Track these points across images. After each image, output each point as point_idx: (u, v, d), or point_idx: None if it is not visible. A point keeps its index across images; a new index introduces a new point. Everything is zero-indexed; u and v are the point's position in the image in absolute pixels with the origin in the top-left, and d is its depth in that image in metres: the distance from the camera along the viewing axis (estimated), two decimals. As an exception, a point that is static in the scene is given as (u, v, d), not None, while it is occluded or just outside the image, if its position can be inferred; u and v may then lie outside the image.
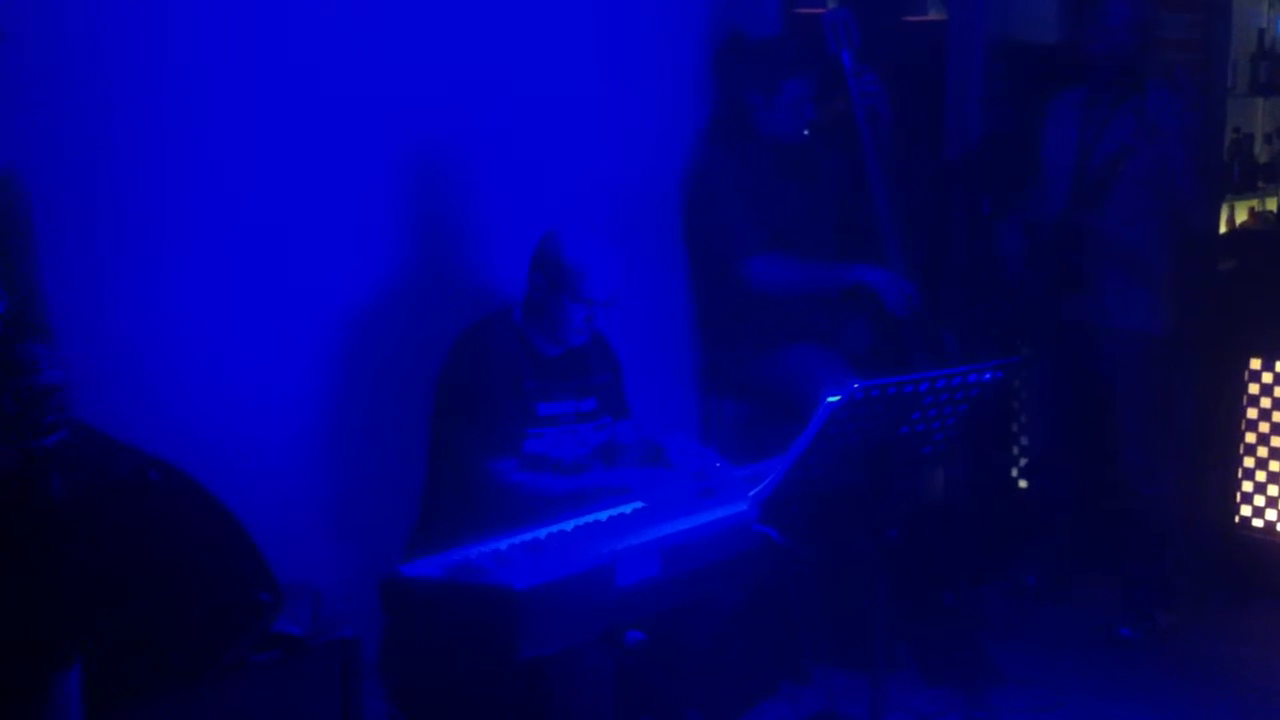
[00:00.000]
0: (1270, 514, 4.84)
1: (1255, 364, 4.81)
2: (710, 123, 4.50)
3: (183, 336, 3.16)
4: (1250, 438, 4.85)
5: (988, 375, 3.26)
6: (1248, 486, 4.88)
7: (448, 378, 3.42)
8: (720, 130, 4.45)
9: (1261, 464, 4.84)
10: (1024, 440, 5.30)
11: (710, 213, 4.31)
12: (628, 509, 3.17)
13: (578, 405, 3.51)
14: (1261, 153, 6.26)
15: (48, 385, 2.14)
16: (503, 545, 2.93)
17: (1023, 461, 5.32)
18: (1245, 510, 4.89)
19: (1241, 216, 5.95)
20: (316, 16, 3.36)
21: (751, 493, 3.18)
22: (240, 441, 3.23)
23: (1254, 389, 4.82)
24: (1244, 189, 5.96)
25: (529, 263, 3.43)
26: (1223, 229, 5.47)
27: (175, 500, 2.54)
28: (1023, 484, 5.31)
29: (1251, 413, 4.84)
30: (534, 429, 3.41)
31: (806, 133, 4.35)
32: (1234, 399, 4.84)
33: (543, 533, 3.03)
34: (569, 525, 3.08)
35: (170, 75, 3.10)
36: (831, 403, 3.00)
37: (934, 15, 5.46)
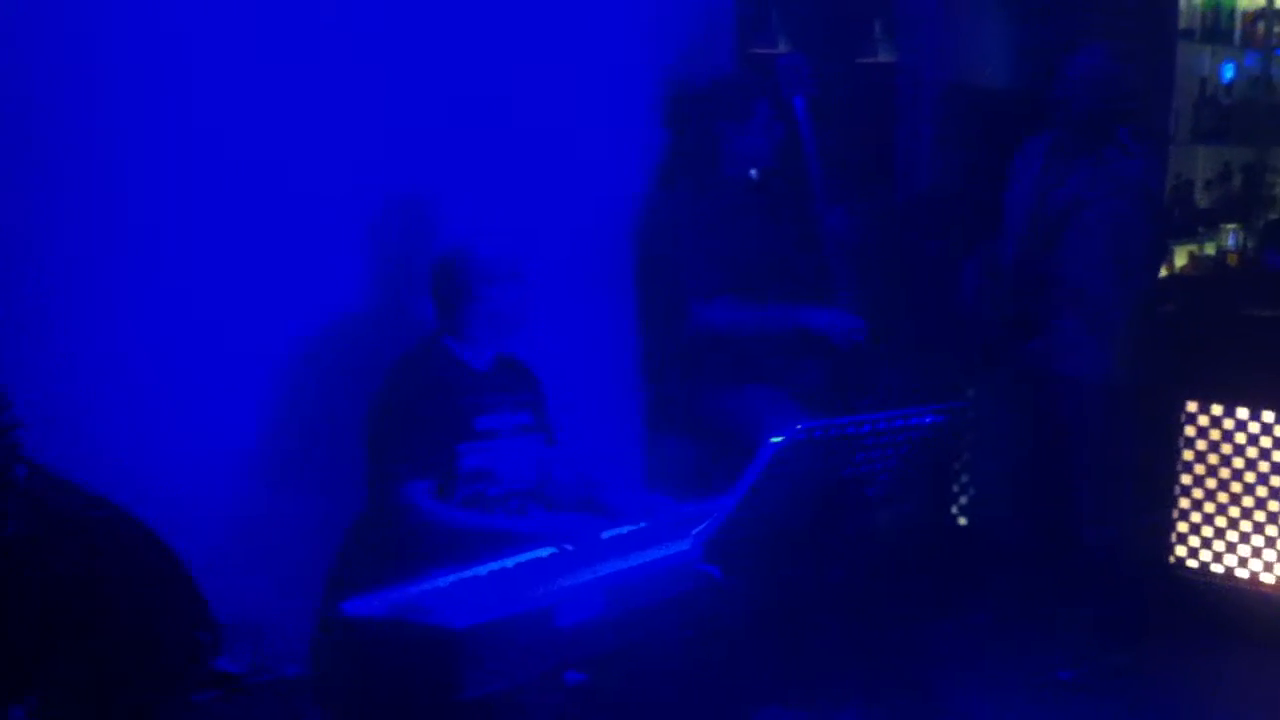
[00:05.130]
0: (1205, 554, 4.91)
1: (1191, 407, 4.89)
2: (670, 162, 4.53)
3: (122, 372, 3.14)
4: (1186, 479, 4.92)
5: (929, 418, 3.31)
6: (1183, 527, 4.95)
7: (376, 404, 3.46)
8: (682, 169, 4.49)
9: (1197, 505, 4.91)
10: (964, 478, 5.35)
11: (664, 252, 4.34)
12: (535, 555, 3.14)
13: (515, 418, 3.55)
14: (1202, 198, 6.38)
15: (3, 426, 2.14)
16: (445, 582, 2.94)
17: (962, 499, 5.38)
18: (1180, 551, 4.96)
19: (1181, 261, 6.05)
20: (268, 51, 3.37)
21: (695, 531, 3.21)
22: (182, 478, 3.22)
23: (1190, 431, 4.90)
24: (1184, 234, 6.07)
25: (430, 292, 3.50)
26: (1162, 273, 5.55)
27: (119, 539, 2.54)
28: (962, 521, 5.36)
29: (1187, 455, 4.91)
30: (472, 443, 3.43)
31: (754, 172, 4.40)
32: (1170, 441, 4.91)
33: (484, 570, 3.05)
34: (511, 563, 3.09)
35: (119, 108, 3.10)
36: (775, 443, 3.03)
37: (884, 58, 5.53)
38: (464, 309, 3.48)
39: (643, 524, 3.39)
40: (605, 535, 3.29)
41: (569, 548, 3.17)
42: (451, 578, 2.96)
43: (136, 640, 2.56)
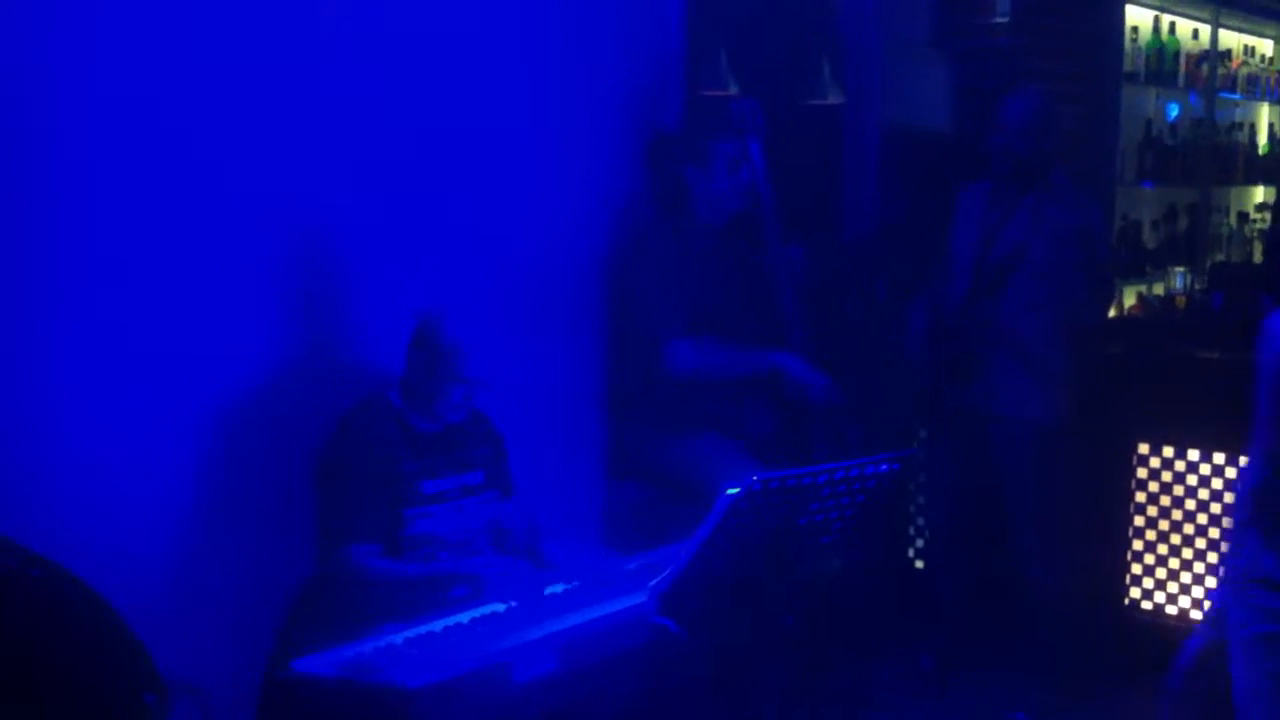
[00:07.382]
0: (1159, 596, 4.92)
1: (1143, 449, 4.91)
2: (644, 207, 4.51)
3: (60, 425, 3.05)
4: (1139, 521, 4.94)
5: (884, 467, 3.29)
6: (1137, 569, 4.96)
7: (323, 463, 3.43)
8: (656, 215, 4.47)
9: (1150, 547, 4.93)
10: (920, 521, 5.34)
11: (637, 294, 4.31)
12: (487, 610, 3.09)
13: (463, 480, 3.51)
14: (1149, 239, 6.44)
15: None
16: (398, 640, 2.89)
17: (919, 543, 5.37)
18: (1135, 592, 4.97)
19: (1129, 301, 6.10)
20: (196, 96, 3.29)
21: (650, 584, 3.17)
22: (122, 535, 3.13)
23: (1142, 473, 4.91)
24: (1131, 274, 6.13)
25: (408, 342, 3.46)
26: (1112, 313, 5.59)
27: (57, 598, 2.45)
28: (919, 564, 5.35)
29: (1140, 496, 4.92)
30: (419, 508, 3.39)
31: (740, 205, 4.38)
32: (1123, 483, 4.93)
33: (439, 626, 2.99)
34: (465, 618, 3.04)
35: (47, 155, 3.01)
36: (731, 494, 3.00)
37: (833, 99, 5.54)
38: (430, 388, 3.44)
39: (580, 581, 3.33)
40: (548, 591, 3.23)
41: (513, 604, 3.11)
42: (404, 635, 2.90)
43: (80, 704, 2.48)
